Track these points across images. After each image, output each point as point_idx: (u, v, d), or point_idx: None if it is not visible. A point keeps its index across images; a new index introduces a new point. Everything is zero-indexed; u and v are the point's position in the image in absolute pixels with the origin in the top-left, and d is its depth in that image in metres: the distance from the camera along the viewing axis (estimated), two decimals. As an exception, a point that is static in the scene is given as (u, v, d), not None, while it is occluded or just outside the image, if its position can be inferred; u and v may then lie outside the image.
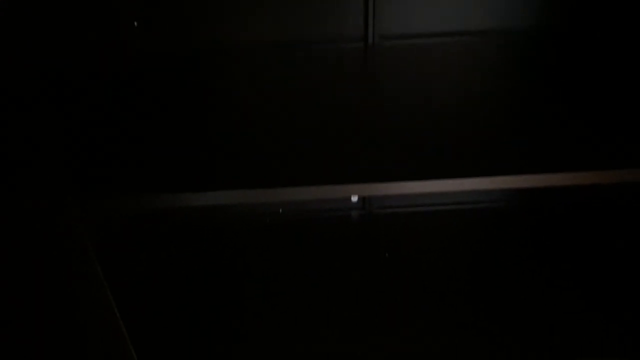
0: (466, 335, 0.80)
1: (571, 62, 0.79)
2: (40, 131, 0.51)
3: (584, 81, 0.74)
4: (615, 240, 0.92)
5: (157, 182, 0.60)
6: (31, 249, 0.49)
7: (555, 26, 0.87)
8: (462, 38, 0.86)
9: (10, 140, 0.47)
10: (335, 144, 0.65)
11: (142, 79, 0.79)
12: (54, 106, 0.55)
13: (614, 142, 0.62)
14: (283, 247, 0.99)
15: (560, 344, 0.78)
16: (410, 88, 0.75)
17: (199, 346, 0.81)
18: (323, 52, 0.85)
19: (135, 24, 0.84)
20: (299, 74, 0.80)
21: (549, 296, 0.86)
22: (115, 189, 0.59)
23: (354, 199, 1.04)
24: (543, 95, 0.72)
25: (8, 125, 0.47)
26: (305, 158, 0.63)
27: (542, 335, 0.80)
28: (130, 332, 0.68)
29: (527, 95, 0.73)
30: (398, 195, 1.02)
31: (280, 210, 1.05)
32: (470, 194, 1.05)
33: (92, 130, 0.66)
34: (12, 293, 0.45)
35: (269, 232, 1.02)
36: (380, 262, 0.94)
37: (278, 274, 0.93)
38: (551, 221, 1.02)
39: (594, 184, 0.60)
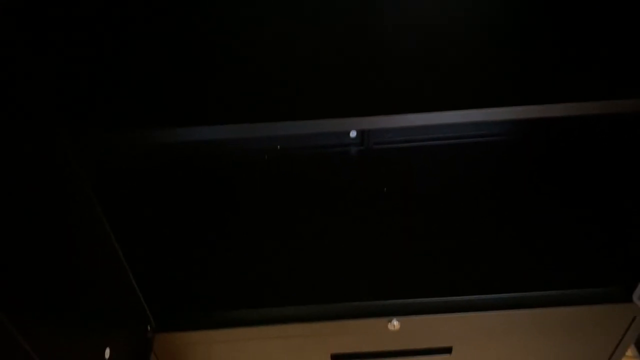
0: (466, 267, 0.80)
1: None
2: (30, 66, 0.49)
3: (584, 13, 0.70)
4: (616, 171, 0.91)
5: (152, 117, 0.59)
6: (26, 187, 0.47)
7: None
8: None
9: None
10: (333, 76, 0.62)
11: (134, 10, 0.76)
12: (44, 38, 0.52)
13: (616, 72, 0.60)
14: (281, 184, 0.98)
15: (563, 273, 0.79)
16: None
17: (196, 280, 0.81)
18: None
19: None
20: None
21: (551, 228, 0.86)
22: (108, 124, 0.58)
23: (353, 134, 1.02)
24: (544, 28, 0.69)
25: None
26: (302, 91, 0.61)
27: (546, 264, 0.80)
28: (130, 264, 0.69)
29: (529, 24, 0.70)
30: (398, 128, 1.02)
31: (278, 147, 1.03)
32: (471, 127, 1.03)
33: (83, 64, 0.64)
34: (8, 233, 0.44)
35: (266, 169, 1.01)
36: (380, 198, 0.94)
37: (276, 210, 0.92)
38: (553, 154, 1.00)
39: (597, 114, 0.58)
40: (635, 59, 0.62)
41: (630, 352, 1.35)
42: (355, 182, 0.97)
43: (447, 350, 0.84)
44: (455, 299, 0.77)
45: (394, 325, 0.77)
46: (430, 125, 0.60)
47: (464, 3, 0.74)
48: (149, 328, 0.76)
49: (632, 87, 0.58)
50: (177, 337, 0.78)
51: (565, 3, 0.72)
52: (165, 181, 1.00)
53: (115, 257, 0.67)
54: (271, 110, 0.59)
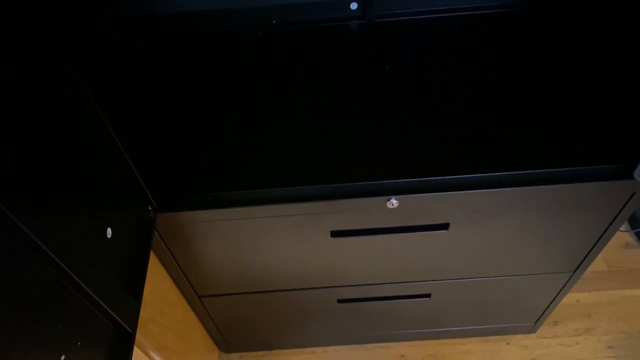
0: (463, 146, 0.79)
1: None
2: None
3: None
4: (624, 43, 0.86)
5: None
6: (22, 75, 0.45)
7: None
8: None
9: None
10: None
11: None
12: None
13: None
14: (277, 62, 0.94)
15: (565, 150, 0.78)
16: None
17: (196, 162, 0.81)
18: None
19: None
20: None
21: (553, 105, 0.83)
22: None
23: (353, 5, 0.95)
24: None
25: None
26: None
27: (547, 142, 0.79)
28: (125, 147, 0.68)
29: None
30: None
31: (274, 21, 0.97)
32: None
33: None
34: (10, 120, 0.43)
35: (262, 46, 0.96)
36: (381, 75, 0.90)
37: (273, 90, 0.89)
38: (560, 27, 0.94)
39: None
40: None
41: (623, 227, 1.38)
42: (356, 58, 0.93)
43: (444, 226, 0.85)
44: (451, 177, 0.77)
45: (393, 204, 0.78)
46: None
47: None
48: (150, 208, 0.77)
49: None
50: (178, 216, 0.79)
51: None
52: (159, 62, 0.96)
53: (109, 140, 0.65)
54: None
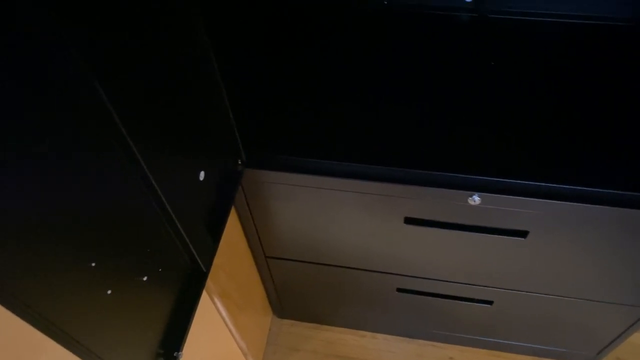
0: (556, 155, 0.77)
1: None
2: None
3: None
4: None
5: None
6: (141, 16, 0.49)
7: None
8: None
9: None
10: None
11: None
12: None
13: None
14: (382, 41, 0.94)
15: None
16: None
17: (288, 126, 0.83)
18: None
19: None
20: None
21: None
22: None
23: (468, -2, 0.94)
24: None
25: None
26: None
27: (644, 170, 0.75)
28: (230, 100, 0.71)
29: None
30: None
31: (385, 2, 0.98)
32: (606, 5, 0.92)
33: None
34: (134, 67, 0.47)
35: (370, 24, 0.97)
36: (484, 70, 0.88)
37: (374, 68, 0.90)
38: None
39: None
40: None
41: None
42: (462, 51, 0.92)
43: (523, 234, 0.83)
44: (540, 184, 0.75)
45: (474, 201, 0.77)
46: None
47: None
48: (239, 162, 0.80)
49: None
50: (263, 174, 0.83)
51: None
52: (276, 29, 0.99)
53: (218, 92, 0.69)
54: None
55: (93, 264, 0.47)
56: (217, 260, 0.86)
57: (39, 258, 0.40)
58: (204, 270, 0.70)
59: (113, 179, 0.49)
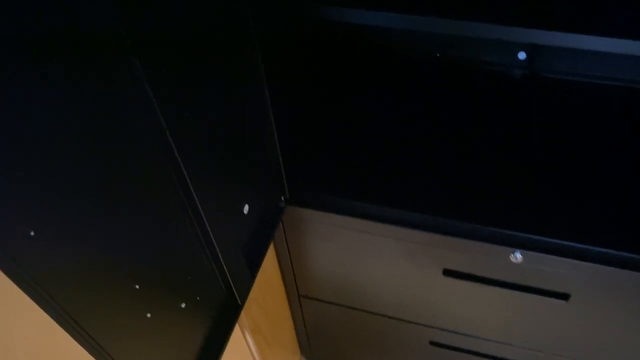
0: (605, 219, 0.75)
1: None
2: None
3: None
4: None
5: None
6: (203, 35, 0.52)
7: None
8: None
9: None
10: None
11: None
12: None
13: None
14: (433, 90, 0.95)
15: None
16: None
17: (332, 165, 0.85)
18: None
19: None
20: None
21: None
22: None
23: (521, 55, 0.95)
24: None
25: None
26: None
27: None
28: (280, 135, 0.73)
29: None
30: (574, 58, 0.93)
31: (438, 55, 0.99)
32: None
33: None
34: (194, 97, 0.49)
35: (422, 73, 0.99)
36: (530, 126, 0.88)
37: (422, 116, 0.91)
38: None
39: None
40: None
41: None
42: (510, 105, 0.92)
43: (564, 296, 0.81)
44: (588, 247, 0.73)
45: (516, 258, 0.76)
46: (613, 61, 0.54)
47: None
48: (282, 198, 0.82)
49: None
50: (304, 212, 0.84)
51: None
52: (329, 64, 1.01)
53: (269, 127, 0.71)
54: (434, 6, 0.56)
55: (137, 286, 0.48)
56: (251, 294, 0.87)
57: (89, 277, 0.42)
58: (239, 303, 0.71)
59: (165, 209, 0.51)
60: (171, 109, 0.46)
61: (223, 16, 0.54)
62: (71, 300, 0.39)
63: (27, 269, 0.33)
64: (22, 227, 0.34)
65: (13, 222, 0.33)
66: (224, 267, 0.64)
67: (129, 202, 0.45)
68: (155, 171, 0.48)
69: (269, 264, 0.95)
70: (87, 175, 0.39)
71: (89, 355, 0.45)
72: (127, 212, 0.45)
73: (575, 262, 0.73)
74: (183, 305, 0.58)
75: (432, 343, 1.05)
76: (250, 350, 0.93)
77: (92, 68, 0.38)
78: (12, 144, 0.32)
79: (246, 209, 0.69)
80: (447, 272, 0.85)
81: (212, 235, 0.59)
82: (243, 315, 0.87)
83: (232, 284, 0.67)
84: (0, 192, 0.32)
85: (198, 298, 0.61)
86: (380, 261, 0.88)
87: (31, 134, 0.33)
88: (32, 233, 0.35)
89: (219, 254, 0.62)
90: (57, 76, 0.35)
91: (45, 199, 0.36)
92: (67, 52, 0.35)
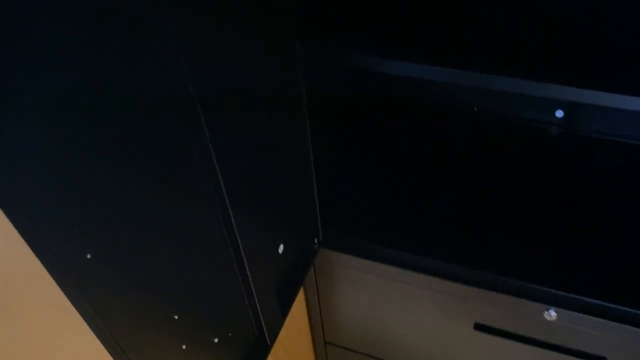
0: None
1: None
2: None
3: None
4: None
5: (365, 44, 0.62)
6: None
7: None
8: None
9: None
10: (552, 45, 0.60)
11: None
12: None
13: None
14: (468, 143, 0.97)
15: None
16: None
17: (366, 210, 0.86)
18: None
19: None
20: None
21: None
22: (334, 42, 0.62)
23: (559, 113, 0.96)
24: None
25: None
26: (514, 51, 0.59)
27: None
28: (317, 178, 0.75)
29: None
30: (609, 112, 0.93)
31: (475, 109, 1.01)
32: None
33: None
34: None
35: (459, 127, 1.00)
36: (566, 184, 0.88)
37: (456, 167, 0.92)
38: None
39: None
40: None
41: None
42: (546, 161, 0.92)
43: (600, 359, 0.78)
44: (624, 308, 0.71)
45: (550, 316, 0.74)
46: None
47: None
48: (316, 241, 0.83)
49: None
50: (337, 256, 0.84)
51: None
52: (368, 112, 1.04)
53: (308, 170, 0.73)
54: (474, 60, 0.58)
55: (176, 317, 0.49)
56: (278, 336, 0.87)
57: (136, 302, 0.43)
58: (269, 343, 0.71)
59: (210, 247, 0.53)
60: (225, 156, 0.49)
61: (277, 75, 0.57)
62: (117, 322, 0.40)
63: (82, 289, 0.35)
64: (80, 249, 0.36)
65: (75, 245, 0.35)
66: (257, 305, 0.64)
67: (177, 237, 0.47)
68: (204, 211, 0.50)
69: (297, 308, 0.95)
70: (142, 212, 0.42)
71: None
72: (175, 246, 0.47)
73: (612, 323, 0.71)
74: (216, 340, 0.59)
75: (459, 401, 1.02)
76: (273, 394, 0.92)
77: (159, 121, 0.41)
78: (80, 185, 0.35)
79: (281, 248, 0.70)
80: (479, 327, 0.84)
81: (248, 273, 0.60)
82: (269, 357, 0.86)
83: (263, 323, 0.68)
84: (68, 218, 0.34)
85: (230, 334, 0.62)
86: (411, 311, 0.87)
87: (99, 178, 0.36)
88: (88, 256, 0.37)
89: (254, 292, 0.62)
90: (128, 129, 0.38)
91: (105, 228, 0.38)
92: (141, 107, 0.38)
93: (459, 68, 0.65)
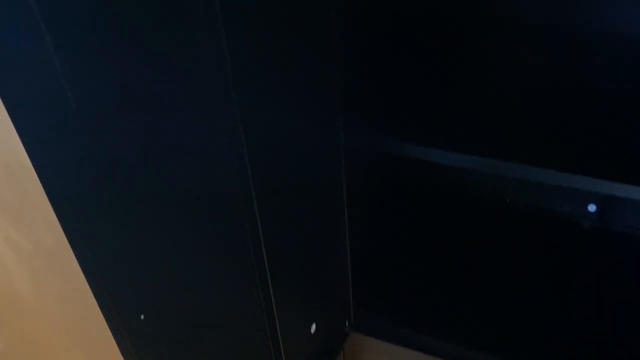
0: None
1: None
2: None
3: None
4: None
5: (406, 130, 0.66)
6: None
7: None
8: None
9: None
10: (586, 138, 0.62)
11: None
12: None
13: None
14: (499, 233, 0.97)
15: None
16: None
17: (400, 295, 0.86)
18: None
19: None
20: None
21: None
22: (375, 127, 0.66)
23: (591, 207, 0.96)
24: None
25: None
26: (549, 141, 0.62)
27: None
28: (352, 262, 0.76)
29: None
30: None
31: (507, 199, 1.03)
32: None
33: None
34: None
35: (488, 217, 1.01)
36: (599, 282, 0.87)
37: (487, 261, 0.92)
38: None
39: None
40: None
41: None
42: (577, 256, 0.92)
43: None
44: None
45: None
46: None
47: None
48: (347, 323, 0.83)
49: None
50: (366, 341, 0.83)
51: None
52: (400, 197, 1.06)
53: (343, 253, 0.75)
54: (507, 150, 0.61)
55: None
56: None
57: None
58: None
59: (249, 327, 0.54)
60: (271, 239, 0.52)
61: (318, 163, 0.61)
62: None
63: (136, 347, 0.37)
64: (135, 312, 0.38)
65: (131, 308, 0.37)
66: (287, 383, 0.64)
67: (220, 320, 0.49)
68: (245, 285, 0.52)
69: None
70: (190, 285, 0.44)
71: None
72: (216, 327, 0.48)
73: None
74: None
75: None
76: None
77: (216, 209, 0.44)
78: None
79: (313, 328, 0.70)
80: None
81: (282, 350, 0.60)
82: None
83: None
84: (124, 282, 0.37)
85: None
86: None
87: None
88: (142, 317, 0.38)
89: (286, 371, 0.62)
90: (190, 217, 0.41)
91: (157, 296, 0.40)
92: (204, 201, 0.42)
93: (493, 157, 0.67)
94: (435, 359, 0.79)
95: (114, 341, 0.35)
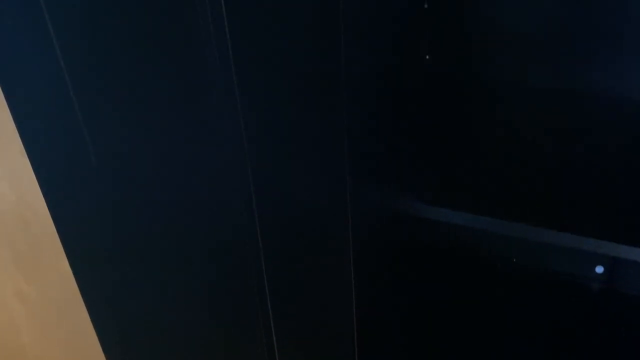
0: None
1: None
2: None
3: None
4: None
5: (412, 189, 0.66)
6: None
7: None
8: None
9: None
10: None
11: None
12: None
13: None
14: (505, 294, 0.96)
15: None
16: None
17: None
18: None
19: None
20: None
21: None
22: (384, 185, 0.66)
23: (599, 269, 0.95)
24: None
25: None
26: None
27: None
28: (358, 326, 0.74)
29: None
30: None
31: (514, 260, 1.02)
32: None
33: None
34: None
35: (494, 277, 1.00)
36: (607, 344, 0.85)
37: (498, 322, 0.91)
38: None
39: None
40: None
41: None
42: (584, 318, 0.90)
43: None
44: None
45: None
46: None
47: None
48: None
49: None
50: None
51: None
52: (405, 256, 1.05)
53: (350, 318, 0.73)
54: (515, 211, 0.61)
55: None
56: None
57: None
58: None
59: None
60: (278, 303, 0.51)
61: (325, 218, 0.61)
62: None
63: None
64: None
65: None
66: None
67: None
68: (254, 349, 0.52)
69: None
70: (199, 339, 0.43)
71: None
72: None
73: None
74: None
75: None
76: None
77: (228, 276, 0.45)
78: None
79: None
80: None
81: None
82: None
83: None
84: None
85: None
86: None
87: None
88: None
89: None
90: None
91: (165, 348, 0.40)
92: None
93: (501, 218, 0.67)
94: None
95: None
